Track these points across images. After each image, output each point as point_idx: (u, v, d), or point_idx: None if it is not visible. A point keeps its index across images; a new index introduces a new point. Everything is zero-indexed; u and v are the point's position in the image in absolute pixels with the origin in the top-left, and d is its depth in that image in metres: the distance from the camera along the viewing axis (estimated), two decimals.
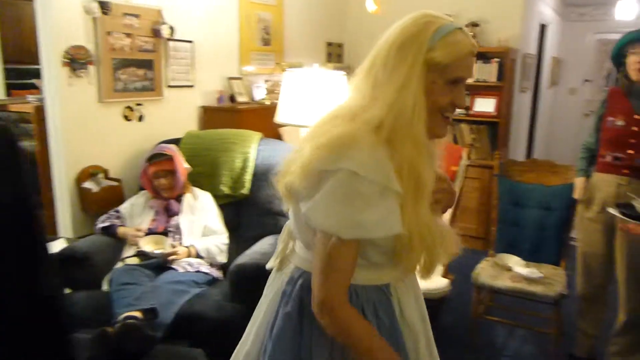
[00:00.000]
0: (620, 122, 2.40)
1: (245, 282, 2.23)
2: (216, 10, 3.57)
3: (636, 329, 2.47)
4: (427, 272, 1.16)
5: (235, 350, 1.29)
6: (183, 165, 2.64)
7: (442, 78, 1.05)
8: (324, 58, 4.81)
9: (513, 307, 3.02)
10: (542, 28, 5.96)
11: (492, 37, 4.49)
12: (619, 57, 2.42)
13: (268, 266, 1.28)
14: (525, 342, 2.94)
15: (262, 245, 2.51)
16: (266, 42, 4.07)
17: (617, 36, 2.47)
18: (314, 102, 2.57)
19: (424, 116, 1.04)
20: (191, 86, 3.44)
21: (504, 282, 2.65)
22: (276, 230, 2.72)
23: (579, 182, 2.60)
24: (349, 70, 4.79)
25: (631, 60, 2.33)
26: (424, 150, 1.05)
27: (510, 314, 3.00)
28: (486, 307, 3.00)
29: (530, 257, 2.85)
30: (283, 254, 1.24)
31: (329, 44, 4.89)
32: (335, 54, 4.97)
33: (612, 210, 2.03)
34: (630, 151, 2.36)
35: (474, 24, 4.42)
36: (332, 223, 1.01)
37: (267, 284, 1.27)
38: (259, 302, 1.27)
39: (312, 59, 4.25)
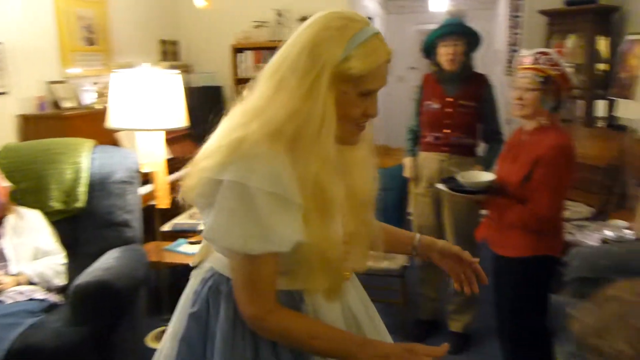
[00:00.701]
0: (435, 105, 2.67)
1: (88, 303, 2.05)
2: (27, 8, 3.21)
3: None
4: (332, 293, 1.09)
5: None
6: (0, 184, 2.34)
7: (355, 90, 0.98)
8: (159, 57, 4.60)
9: (366, 284, 3.21)
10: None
11: None
12: (430, 48, 2.68)
13: (192, 264, 1.20)
14: (380, 315, 3.15)
15: (106, 260, 2.33)
16: (91, 42, 3.77)
17: (433, 26, 2.73)
18: (147, 103, 2.45)
19: (334, 126, 0.97)
20: (4, 93, 3.05)
21: None
22: (119, 242, 2.55)
23: (407, 161, 2.85)
24: (186, 68, 4.66)
25: (442, 52, 2.61)
26: (331, 162, 0.98)
27: (365, 291, 3.18)
28: None
29: None
30: (204, 254, 1.17)
31: (163, 42, 4.69)
32: (170, 52, 4.78)
33: (440, 186, 2.23)
34: (446, 130, 2.65)
35: (305, 19, 4.55)
36: (235, 240, 0.93)
37: (189, 280, 1.19)
38: (181, 296, 1.18)
39: (146, 58, 4.04)
